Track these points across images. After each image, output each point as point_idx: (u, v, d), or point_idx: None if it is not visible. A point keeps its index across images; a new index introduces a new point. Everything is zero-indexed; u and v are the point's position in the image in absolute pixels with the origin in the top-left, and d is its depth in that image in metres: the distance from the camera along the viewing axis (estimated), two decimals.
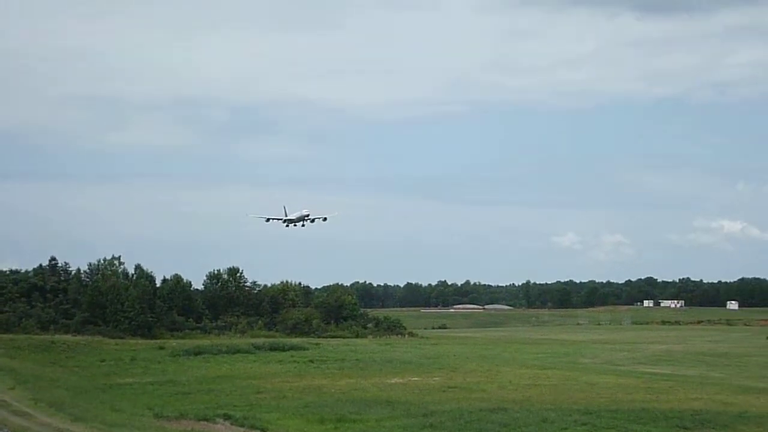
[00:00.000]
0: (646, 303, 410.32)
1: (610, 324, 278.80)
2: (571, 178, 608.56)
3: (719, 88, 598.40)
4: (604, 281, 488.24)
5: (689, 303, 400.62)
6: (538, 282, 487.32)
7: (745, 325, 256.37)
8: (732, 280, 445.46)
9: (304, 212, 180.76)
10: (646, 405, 66.89)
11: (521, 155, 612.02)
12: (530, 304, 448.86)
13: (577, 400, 69.65)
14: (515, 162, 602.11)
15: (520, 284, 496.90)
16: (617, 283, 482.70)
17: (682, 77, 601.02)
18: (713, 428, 59.04)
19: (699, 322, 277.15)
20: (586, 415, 61.73)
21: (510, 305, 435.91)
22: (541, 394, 73.70)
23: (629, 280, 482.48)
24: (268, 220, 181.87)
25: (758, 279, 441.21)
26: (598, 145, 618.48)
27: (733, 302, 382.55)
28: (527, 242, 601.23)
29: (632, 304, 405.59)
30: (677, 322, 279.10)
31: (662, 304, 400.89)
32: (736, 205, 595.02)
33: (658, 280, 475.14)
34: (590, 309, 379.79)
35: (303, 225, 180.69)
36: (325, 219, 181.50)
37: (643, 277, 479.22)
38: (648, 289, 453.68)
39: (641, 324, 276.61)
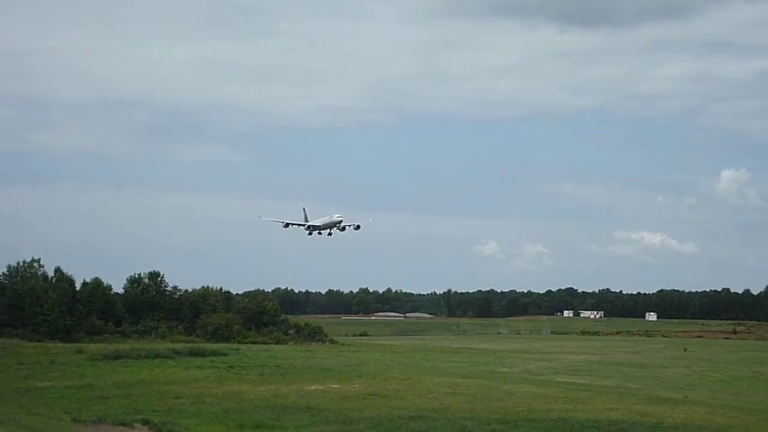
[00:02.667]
0: (566, 313, 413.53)
1: (529, 334, 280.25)
2: (493, 187, 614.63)
3: (641, 101, 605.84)
4: (525, 291, 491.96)
5: (608, 314, 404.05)
6: (459, 291, 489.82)
7: (663, 336, 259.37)
8: (651, 292, 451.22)
9: (336, 218, 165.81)
10: (564, 414, 67.30)
11: (444, 164, 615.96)
12: (451, 313, 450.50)
13: (496, 409, 69.89)
14: (438, 170, 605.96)
15: (441, 293, 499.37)
16: (538, 293, 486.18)
17: (605, 89, 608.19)
18: None
19: (618, 333, 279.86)
20: (504, 424, 61.96)
21: (431, 314, 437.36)
22: (459, 403, 73.80)
23: (550, 290, 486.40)
24: (287, 225, 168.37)
25: (677, 291, 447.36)
26: (521, 155, 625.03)
27: (651, 313, 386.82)
28: (449, 251, 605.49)
29: (552, 314, 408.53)
30: (596, 333, 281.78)
31: (582, 315, 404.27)
32: (656, 218, 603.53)
33: (578, 291, 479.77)
34: (510, 318, 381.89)
35: (330, 233, 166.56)
36: (358, 227, 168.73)
37: (563, 288, 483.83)
38: (568, 299, 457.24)
39: (561, 334, 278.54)
